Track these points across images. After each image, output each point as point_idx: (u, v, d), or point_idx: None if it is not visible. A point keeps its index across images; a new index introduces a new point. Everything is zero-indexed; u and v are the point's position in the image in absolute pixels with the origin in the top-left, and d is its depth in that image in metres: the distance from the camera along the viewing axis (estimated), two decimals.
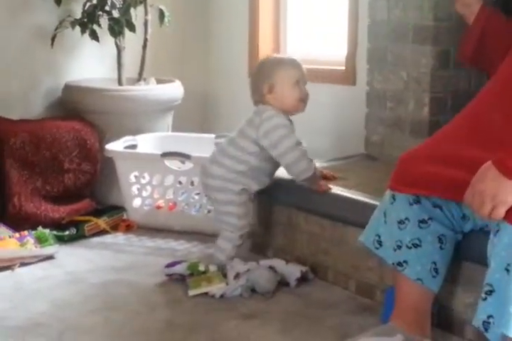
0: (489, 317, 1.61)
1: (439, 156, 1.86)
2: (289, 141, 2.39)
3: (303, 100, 2.47)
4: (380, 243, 1.98)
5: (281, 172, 2.58)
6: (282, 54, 2.68)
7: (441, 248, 1.92)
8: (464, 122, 1.93)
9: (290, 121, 2.47)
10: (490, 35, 2.12)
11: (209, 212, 2.90)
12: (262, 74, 2.46)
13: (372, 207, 2.05)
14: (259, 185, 2.51)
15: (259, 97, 2.47)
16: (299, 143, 2.41)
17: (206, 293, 2.31)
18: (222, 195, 2.49)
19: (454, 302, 2.03)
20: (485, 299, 1.63)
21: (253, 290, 2.34)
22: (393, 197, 1.95)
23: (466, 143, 1.83)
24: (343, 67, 3.20)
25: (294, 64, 2.48)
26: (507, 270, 1.60)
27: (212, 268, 2.43)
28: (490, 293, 1.62)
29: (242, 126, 2.48)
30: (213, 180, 2.49)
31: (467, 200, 1.66)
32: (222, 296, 2.30)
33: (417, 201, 1.90)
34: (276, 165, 2.50)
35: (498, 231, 1.65)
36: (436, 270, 1.91)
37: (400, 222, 1.93)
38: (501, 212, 1.59)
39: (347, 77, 3.17)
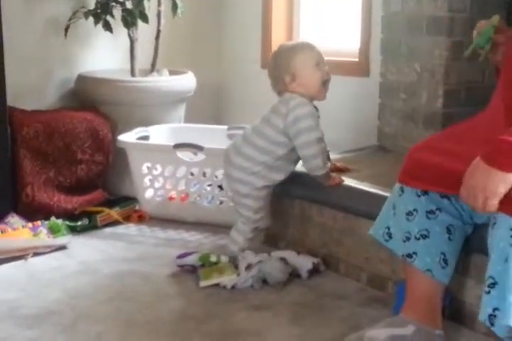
0: (494, 309, 1.61)
1: (446, 150, 1.86)
2: (314, 133, 2.36)
3: (326, 82, 2.43)
4: (389, 235, 1.98)
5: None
6: (293, 40, 2.63)
7: (449, 238, 1.91)
8: (480, 122, 1.93)
9: (316, 108, 2.44)
10: None
11: (221, 203, 2.91)
12: (280, 65, 2.42)
13: (384, 199, 2.05)
14: (285, 174, 2.49)
15: (282, 87, 2.42)
16: (321, 139, 2.39)
17: (217, 284, 2.32)
18: (242, 187, 2.47)
19: (466, 295, 2.02)
20: (488, 292, 1.63)
21: (264, 282, 2.34)
22: (401, 190, 1.95)
23: (476, 141, 1.83)
24: (357, 59, 3.19)
25: (309, 47, 2.45)
26: (506, 260, 1.60)
27: (224, 259, 2.43)
28: (493, 285, 1.63)
29: (267, 114, 2.44)
30: (237, 171, 2.47)
31: (462, 197, 1.68)
32: (233, 287, 2.31)
33: (425, 192, 1.90)
34: None
35: (495, 223, 1.66)
36: (445, 261, 1.91)
37: (408, 214, 1.93)
38: (494, 203, 1.60)
39: (360, 68, 3.16)
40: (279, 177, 2.49)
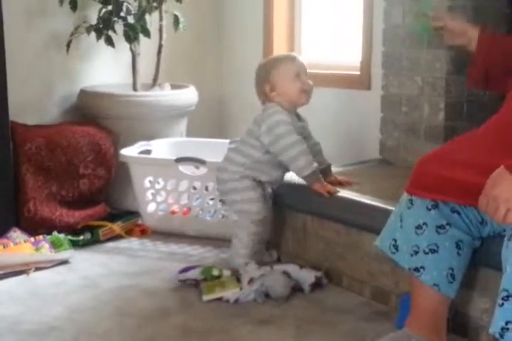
0: (508, 323, 1.59)
1: (457, 161, 1.85)
2: (289, 138, 2.43)
3: (305, 91, 2.52)
4: (396, 247, 1.96)
5: (295, 178, 2.58)
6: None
7: (458, 254, 1.90)
8: (489, 130, 1.92)
9: (298, 117, 2.55)
10: (497, 56, 2.13)
11: (223, 217, 2.90)
12: (261, 76, 2.55)
13: (387, 213, 2.04)
14: (268, 177, 2.55)
15: (264, 97, 2.54)
16: (297, 142, 2.43)
17: (220, 298, 2.31)
18: (227, 185, 2.55)
19: (470, 308, 2.01)
20: (502, 305, 1.61)
21: (267, 296, 2.33)
22: (411, 202, 1.93)
23: (487, 150, 1.82)
24: (358, 72, 3.19)
25: (289, 58, 2.56)
26: None
27: (226, 272, 2.42)
28: (507, 298, 1.60)
29: (250, 124, 2.56)
30: (221, 173, 2.58)
31: (481, 206, 1.66)
32: (236, 301, 2.30)
33: (435, 206, 1.89)
34: None
35: (511, 235, 1.64)
36: (453, 276, 1.89)
37: (418, 227, 1.91)
38: None
39: (362, 81, 3.16)
40: (263, 177, 2.54)
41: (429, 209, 1.89)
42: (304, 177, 2.45)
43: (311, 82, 2.53)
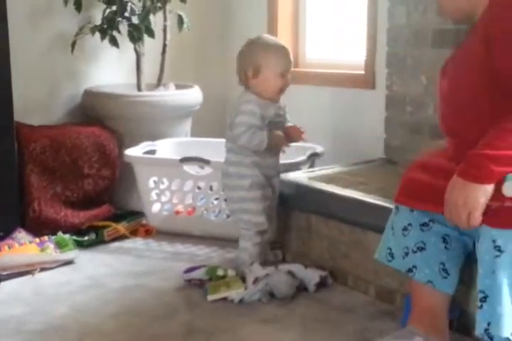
0: (489, 324, 1.63)
1: (432, 168, 1.90)
2: (244, 126, 2.41)
3: (283, 90, 2.49)
4: (391, 255, 1.99)
5: (299, 178, 2.58)
6: (274, 37, 2.62)
7: (446, 248, 1.91)
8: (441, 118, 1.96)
9: (280, 108, 2.50)
10: None
11: (228, 216, 2.90)
12: (250, 55, 2.47)
13: (391, 212, 2.04)
14: (259, 169, 2.48)
15: (243, 79, 2.49)
16: (252, 126, 2.41)
17: (225, 298, 2.31)
18: (233, 193, 2.51)
19: (473, 307, 2.00)
20: (481, 307, 1.66)
21: (272, 295, 2.34)
22: (397, 208, 1.98)
23: (449, 146, 1.89)
24: (363, 71, 3.19)
25: (283, 53, 2.47)
26: (493, 273, 1.63)
27: (231, 272, 2.42)
28: (484, 299, 1.65)
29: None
30: (222, 179, 2.56)
31: (447, 217, 1.71)
32: (241, 301, 2.30)
33: None
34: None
35: (479, 237, 1.69)
36: (445, 271, 1.90)
37: (404, 229, 1.95)
38: (477, 216, 1.64)
39: (366, 81, 3.16)
40: (253, 171, 2.48)
41: (412, 211, 1.93)
42: (267, 148, 2.44)
43: (290, 80, 2.48)
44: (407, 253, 1.93)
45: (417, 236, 1.92)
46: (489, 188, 1.63)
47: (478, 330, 1.65)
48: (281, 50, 2.48)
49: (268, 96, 2.46)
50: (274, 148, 2.49)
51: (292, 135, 2.53)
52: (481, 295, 1.66)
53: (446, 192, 1.69)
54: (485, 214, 1.64)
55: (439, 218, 1.89)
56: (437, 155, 1.99)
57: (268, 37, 2.57)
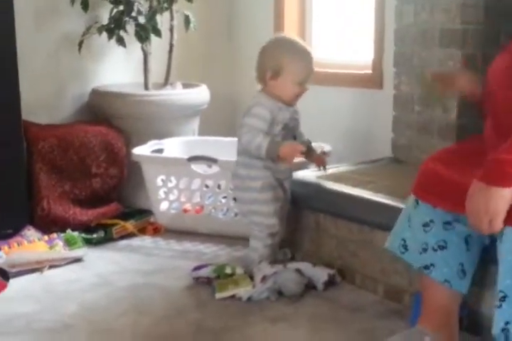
0: (507, 323, 1.62)
1: (459, 165, 1.88)
2: (249, 128, 2.39)
3: (299, 96, 2.47)
4: (405, 247, 1.97)
5: (308, 177, 2.58)
6: (299, 40, 2.53)
7: (467, 249, 1.90)
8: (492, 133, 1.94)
9: (295, 111, 2.48)
10: None
11: (236, 215, 2.91)
12: (274, 56, 2.42)
13: (400, 211, 2.04)
14: (268, 170, 2.46)
15: (261, 78, 2.47)
16: (257, 129, 2.39)
17: (233, 296, 2.32)
18: (244, 194, 2.51)
19: (483, 306, 2.01)
20: (500, 306, 1.64)
21: (280, 293, 2.34)
22: (417, 202, 1.94)
23: (486, 149, 1.84)
24: (370, 71, 3.19)
25: (307, 61, 2.43)
26: None
27: (239, 270, 2.43)
28: (504, 299, 1.64)
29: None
30: (232, 180, 2.56)
31: (470, 222, 1.70)
32: (249, 299, 2.31)
33: None
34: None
35: (501, 237, 1.68)
36: (463, 272, 1.90)
37: (425, 225, 1.92)
38: (499, 222, 1.64)
39: (374, 80, 3.16)
40: (264, 173, 2.46)
41: (435, 207, 1.90)
42: (267, 155, 2.39)
43: (308, 88, 2.46)
44: (425, 250, 1.91)
45: (439, 235, 1.90)
46: (510, 192, 1.62)
47: (495, 329, 1.64)
48: (306, 58, 2.43)
49: (281, 100, 2.45)
50: (281, 159, 2.44)
51: (316, 163, 2.59)
52: (500, 295, 1.64)
53: (467, 197, 1.67)
54: (508, 215, 1.63)
55: (463, 218, 1.87)
56: (462, 145, 1.97)
57: (295, 39, 2.51)
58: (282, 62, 2.40)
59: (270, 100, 2.43)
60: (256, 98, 2.46)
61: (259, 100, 2.44)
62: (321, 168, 2.60)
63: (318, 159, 2.59)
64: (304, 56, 2.44)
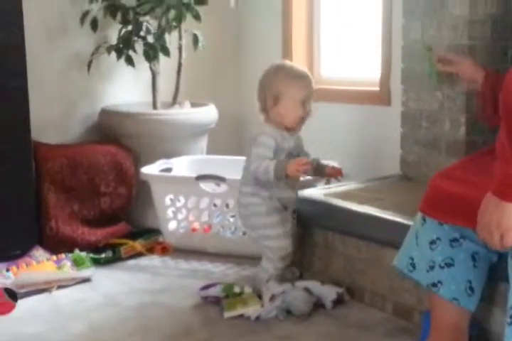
0: None
1: (468, 181, 1.86)
2: (257, 157, 2.41)
3: (303, 119, 2.47)
4: (413, 266, 1.96)
5: (315, 195, 2.57)
6: (295, 64, 2.60)
7: (475, 266, 1.88)
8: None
9: (289, 136, 2.47)
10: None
11: (244, 234, 2.90)
12: (271, 83, 2.45)
13: (408, 228, 2.02)
14: (278, 189, 2.48)
15: (263, 107, 2.48)
16: (264, 157, 2.40)
17: (242, 315, 2.31)
18: (252, 220, 2.52)
19: (492, 323, 1.99)
20: (510, 323, 1.62)
21: (289, 312, 2.33)
22: (423, 219, 1.93)
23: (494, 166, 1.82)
24: (378, 88, 3.19)
25: (305, 82, 2.46)
26: None
27: (248, 289, 2.42)
28: None
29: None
30: (238, 208, 2.59)
31: (480, 236, 1.68)
32: (257, 318, 2.29)
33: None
34: None
35: None
36: (471, 289, 1.88)
37: (432, 243, 1.90)
38: (510, 237, 1.61)
39: (382, 97, 3.16)
40: (275, 192, 2.48)
41: (442, 224, 1.89)
42: (275, 175, 2.38)
43: (312, 109, 2.46)
44: (432, 267, 1.89)
45: (446, 252, 1.88)
46: None
47: None
48: (303, 78, 2.46)
49: (288, 126, 2.45)
50: (289, 178, 2.44)
51: (331, 174, 2.57)
52: (511, 312, 1.63)
53: (479, 211, 1.65)
54: None
55: (470, 234, 1.86)
56: (470, 160, 1.96)
57: (291, 64, 2.56)
58: (280, 86, 2.43)
59: (274, 129, 2.45)
60: (260, 127, 2.48)
61: (263, 129, 2.46)
62: (339, 178, 2.58)
63: (331, 170, 2.57)
64: (300, 77, 2.47)
